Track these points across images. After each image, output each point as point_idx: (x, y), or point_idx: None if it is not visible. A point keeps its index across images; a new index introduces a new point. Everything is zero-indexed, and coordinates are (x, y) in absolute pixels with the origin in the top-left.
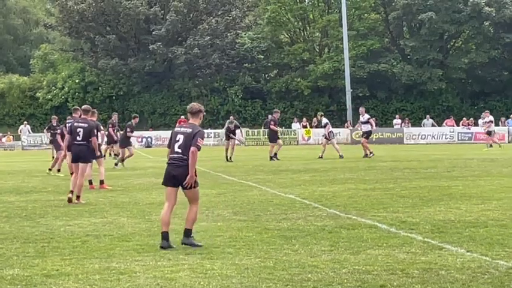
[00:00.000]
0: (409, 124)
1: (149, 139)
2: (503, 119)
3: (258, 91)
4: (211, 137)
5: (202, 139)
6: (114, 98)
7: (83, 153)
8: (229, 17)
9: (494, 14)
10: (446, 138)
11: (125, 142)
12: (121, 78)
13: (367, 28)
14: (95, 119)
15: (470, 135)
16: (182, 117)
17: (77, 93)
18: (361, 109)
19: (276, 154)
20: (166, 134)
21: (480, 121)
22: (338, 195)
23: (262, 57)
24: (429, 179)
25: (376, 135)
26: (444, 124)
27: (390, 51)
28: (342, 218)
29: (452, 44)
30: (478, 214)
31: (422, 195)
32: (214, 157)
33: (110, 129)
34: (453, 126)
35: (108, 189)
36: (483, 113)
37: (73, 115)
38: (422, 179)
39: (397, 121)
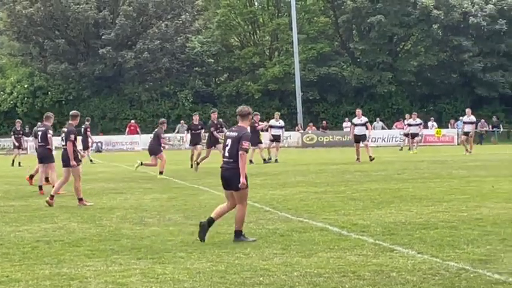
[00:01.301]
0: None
1: (99, 144)
2: (452, 121)
3: (208, 95)
4: None
5: (248, 141)
6: (63, 102)
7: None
8: (179, 21)
9: (442, 17)
10: (396, 141)
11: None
12: (70, 83)
13: (317, 31)
14: (49, 124)
15: (419, 137)
16: (132, 121)
17: (26, 98)
18: (358, 111)
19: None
20: (116, 138)
21: (411, 121)
22: (289, 198)
23: (212, 61)
24: (380, 181)
25: (327, 138)
26: (394, 127)
27: (340, 54)
28: (293, 221)
29: (401, 47)
30: (428, 216)
31: (373, 197)
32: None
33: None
34: (403, 128)
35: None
36: (412, 115)
37: (44, 122)
38: (373, 181)
39: (347, 124)
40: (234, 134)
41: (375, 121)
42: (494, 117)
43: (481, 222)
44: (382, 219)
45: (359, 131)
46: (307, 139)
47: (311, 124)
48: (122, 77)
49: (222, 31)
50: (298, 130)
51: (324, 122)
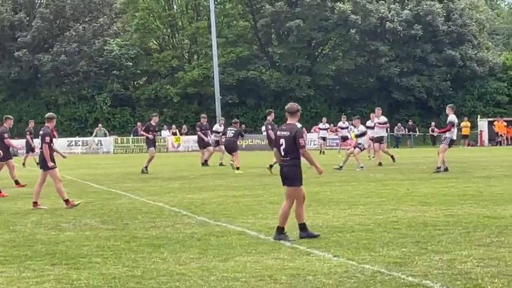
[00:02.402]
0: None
1: (15, 148)
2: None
3: (126, 98)
4: (79, 145)
5: (302, 137)
6: None
7: None
8: (97, 23)
9: (360, 22)
10: (314, 145)
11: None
12: None
13: (236, 35)
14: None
15: (338, 141)
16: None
17: None
18: (378, 110)
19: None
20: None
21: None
22: (207, 202)
23: (130, 64)
24: None
25: (245, 142)
26: (313, 130)
27: (259, 58)
28: (211, 225)
29: (319, 51)
30: (345, 219)
31: None
32: (82, 165)
33: (28, 137)
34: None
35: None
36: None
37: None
38: None
39: (343, 124)
40: (287, 133)
41: None
42: (410, 121)
43: (396, 225)
44: None
45: (377, 131)
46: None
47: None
48: (39, 80)
49: (140, 34)
50: None
51: (243, 125)
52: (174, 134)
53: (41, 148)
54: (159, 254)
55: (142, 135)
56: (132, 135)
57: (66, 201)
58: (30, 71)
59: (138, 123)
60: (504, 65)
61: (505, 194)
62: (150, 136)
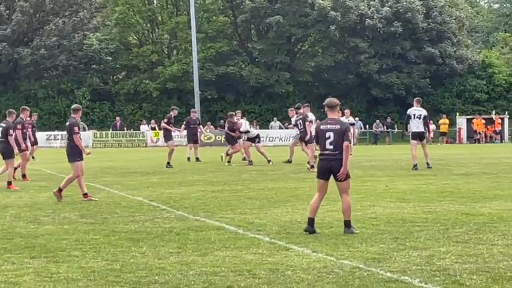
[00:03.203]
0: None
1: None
2: None
3: (106, 93)
4: (58, 139)
5: (349, 132)
6: None
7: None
8: (77, 17)
9: (339, 19)
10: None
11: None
12: None
13: (215, 31)
14: (11, 120)
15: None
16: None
17: None
18: (417, 99)
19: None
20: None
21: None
22: (186, 197)
23: (110, 58)
24: (276, 180)
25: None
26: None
27: (239, 54)
28: (190, 220)
29: (299, 47)
30: (323, 215)
31: (269, 196)
32: (60, 159)
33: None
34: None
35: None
36: (345, 112)
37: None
38: (269, 180)
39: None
40: (337, 126)
41: (272, 121)
42: (388, 118)
43: (375, 221)
44: (278, 218)
45: (418, 125)
46: (206, 138)
47: (209, 123)
48: (18, 74)
49: (120, 29)
50: None
51: (222, 120)
52: (153, 128)
53: (70, 140)
54: (138, 248)
55: (164, 128)
56: (111, 129)
57: (85, 194)
58: (10, 64)
59: (117, 118)
60: (483, 62)
61: (483, 191)
62: (176, 129)
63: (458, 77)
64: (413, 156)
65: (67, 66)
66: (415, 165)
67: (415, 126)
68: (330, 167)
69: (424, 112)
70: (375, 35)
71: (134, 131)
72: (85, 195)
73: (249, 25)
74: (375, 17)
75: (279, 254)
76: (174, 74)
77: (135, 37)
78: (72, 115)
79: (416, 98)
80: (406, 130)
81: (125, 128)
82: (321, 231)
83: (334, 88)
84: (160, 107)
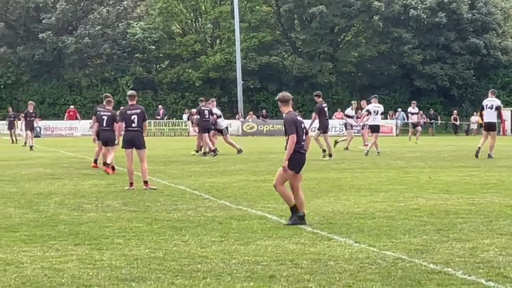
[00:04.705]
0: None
1: (38, 129)
2: (391, 112)
3: (149, 82)
4: None
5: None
6: (2, 87)
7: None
8: (121, 6)
9: (383, 9)
10: (335, 131)
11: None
12: (9, 67)
13: (258, 20)
14: (110, 107)
15: (359, 127)
16: (72, 107)
17: None
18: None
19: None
20: (55, 124)
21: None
22: (229, 186)
23: (153, 47)
24: (319, 171)
25: (267, 127)
26: (334, 117)
27: (281, 43)
28: (232, 209)
29: (342, 37)
30: (366, 206)
31: (312, 186)
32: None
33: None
34: (342, 119)
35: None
36: (412, 103)
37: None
38: (312, 170)
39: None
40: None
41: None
42: (431, 109)
43: (417, 212)
44: (320, 208)
45: (490, 116)
46: (248, 127)
47: (251, 113)
48: (62, 62)
49: (163, 18)
50: (238, 118)
51: (264, 110)
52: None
53: (138, 128)
54: (180, 237)
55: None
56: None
57: (145, 182)
58: (54, 53)
59: (160, 106)
60: None
61: None
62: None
63: (503, 69)
64: (480, 143)
65: (111, 55)
66: (477, 152)
67: (487, 116)
68: (303, 161)
69: (496, 102)
70: (418, 25)
71: (177, 120)
72: (145, 182)
73: (292, 15)
74: (419, 7)
75: (321, 244)
76: (217, 64)
77: (178, 26)
78: (130, 102)
79: (491, 90)
80: (482, 120)
81: (167, 117)
82: (364, 222)
83: (377, 79)
84: (202, 96)
